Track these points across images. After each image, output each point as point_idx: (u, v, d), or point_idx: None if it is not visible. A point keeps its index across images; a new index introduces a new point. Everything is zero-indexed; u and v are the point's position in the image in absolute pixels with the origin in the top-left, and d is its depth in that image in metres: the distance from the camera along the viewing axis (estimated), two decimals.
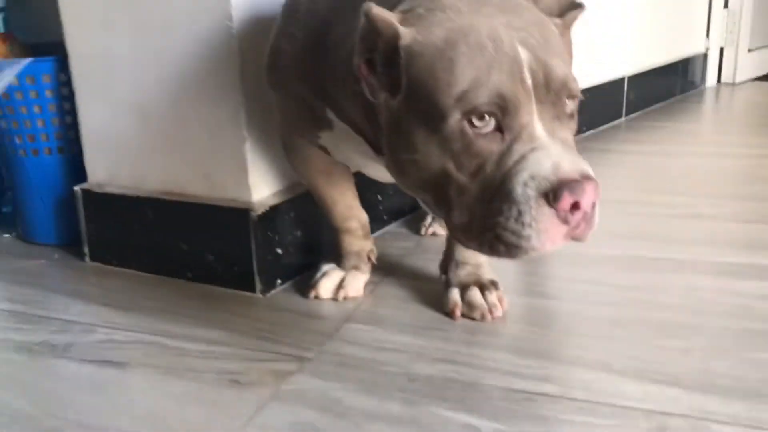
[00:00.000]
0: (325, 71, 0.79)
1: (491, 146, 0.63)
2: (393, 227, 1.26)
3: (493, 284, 0.92)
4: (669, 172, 1.61)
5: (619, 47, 2.11)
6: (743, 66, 2.78)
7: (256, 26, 0.97)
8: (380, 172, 0.84)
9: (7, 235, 1.30)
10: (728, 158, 1.72)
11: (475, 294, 0.91)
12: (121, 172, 1.12)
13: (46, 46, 1.22)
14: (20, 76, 1.13)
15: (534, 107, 0.63)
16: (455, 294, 0.92)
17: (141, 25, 1.03)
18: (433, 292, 0.97)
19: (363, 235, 1.01)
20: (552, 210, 0.60)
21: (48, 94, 1.15)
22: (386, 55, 0.67)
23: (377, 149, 0.77)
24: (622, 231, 1.19)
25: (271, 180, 1.04)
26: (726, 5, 2.71)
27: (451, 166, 0.64)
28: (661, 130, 2.04)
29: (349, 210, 0.99)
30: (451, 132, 0.63)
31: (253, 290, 1.00)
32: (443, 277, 0.96)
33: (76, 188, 1.15)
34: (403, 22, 0.66)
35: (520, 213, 0.61)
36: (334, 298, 0.98)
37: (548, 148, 0.61)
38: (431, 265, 1.04)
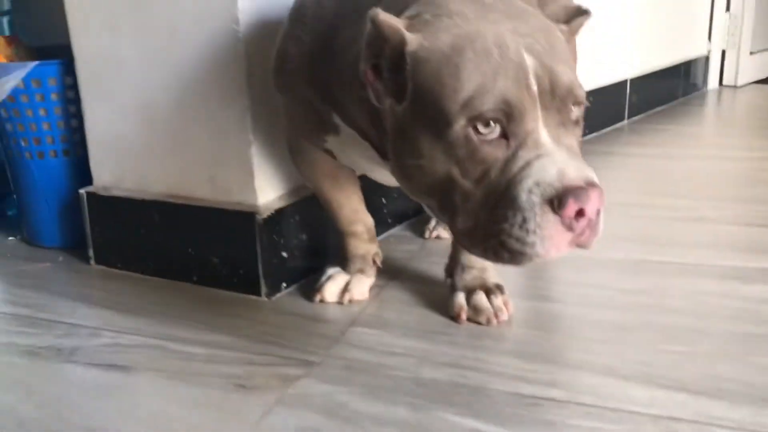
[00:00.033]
0: (331, 75, 0.79)
1: (496, 153, 0.63)
2: (397, 230, 1.26)
3: (499, 288, 0.93)
4: (671, 175, 1.61)
5: (622, 50, 2.11)
6: (745, 69, 2.78)
7: (263, 30, 0.97)
8: (386, 177, 0.84)
9: (12, 238, 1.31)
10: (730, 161, 1.72)
11: (480, 298, 0.91)
12: (126, 175, 1.12)
13: (52, 49, 1.22)
14: (26, 79, 1.13)
15: (539, 114, 0.63)
16: (461, 298, 0.92)
17: (147, 28, 1.03)
18: (438, 295, 0.97)
19: (368, 239, 1.01)
20: (557, 217, 0.60)
21: (54, 97, 1.16)
22: (392, 60, 0.67)
23: (383, 154, 0.77)
24: (625, 234, 1.19)
25: (276, 183, 1.04)
26: (728, 8, 2.72)
27: (456, 172, 0.64)
28: (663, 133, 2.04)
29: (354, 213, 0.99)
30: (456, 138, 0.63)
31: (259, 294, 1.01)
32: (449, 280, 0.96)
33: (82, 191, 1.15)
34: (409, 28, 0.66)
35: (524, 220, 0.61)
36: (340, 302, 0.98)
37: (553, 155, 0.62)
38: (436, 269, 1.04)
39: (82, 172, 1.17)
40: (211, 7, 0.96)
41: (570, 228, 0.61)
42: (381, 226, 1.19)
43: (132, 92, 1.07)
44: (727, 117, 2.41)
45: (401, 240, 1.22)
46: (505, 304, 0.91)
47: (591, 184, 0.60)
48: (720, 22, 2.71)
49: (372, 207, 1.04)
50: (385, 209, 1.23)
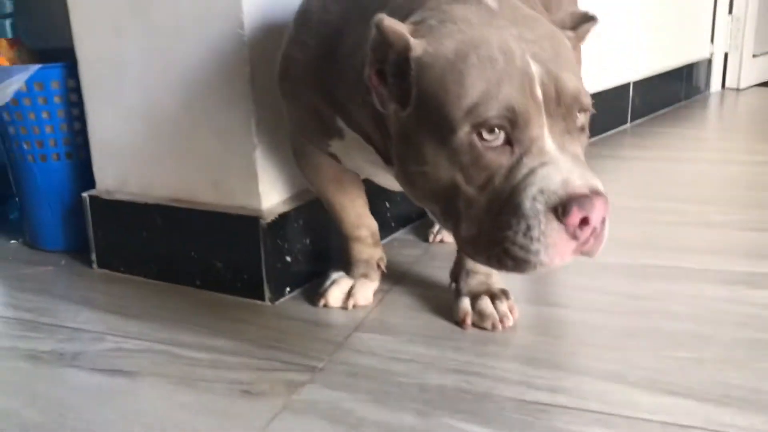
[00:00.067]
0: (336, 80, 0.79)
1: (500, 159, 0.62)
2: (401, 234, 1.26)
3: (504, 293, 0.92)
4: (675, 179, 1.61)
5: (625, 53, 2.11)
6: (747, 72, 2.78)
7: (268, 34, 0.97)
8: (390, 181, 0.84)
9: (14, 242, 1.30)
10: (734, 164, 1.71)
11: (485, 303, 0.91)
12: (129, 178, 1.12)
13: (55, 51, 1.22)
14: (29, 82, 1.13)
15: (544, 121, 0.63)
16: (466, 303, 0.92)
17: (151, 31, 1.03)
18: (442, 300, 0.97)
19: (373, 243, 1.01)
20: (561, 225, 0.60)
21: (57, 100, 1.15)
22: (397, 66, 0.67)
23: (387, 159, 0.77)
24: (630, 239, 1.18)
25: (280, 187, 1.03)
26: (730, 11, 2.72)
27: (459, 179, 0.64)
28: (666, 136, 2.04)
29: (358, 218, 0.99)
30: (460, 144, 0.63)
31: (262, 298, 1.00)
32: (453, 285, 0.96)
33: (84, 195, 1.15)
34: (414, 34, 0.66)
35: (528, 227, 0.60)
36: (344, 307, 0.97)
37: (558, 163, 0.61)
38: (440, 273, 1.03)
39: (84, 175, 1.17)
40: (215, 11, 0.96)
41: (574, 236, 0.61)
42: (385, 229, 1.19)
43: (135, 95, 1.07)
44: (730, 120, 2.41)
45: (405, 244, 1.21)
46: (511, 309, 0.91)
47: (596, 193, 0.60)
48: (723, 24, 2.71)
49: (376, 211, 1.03)
50: (389, 213, 1.23)
